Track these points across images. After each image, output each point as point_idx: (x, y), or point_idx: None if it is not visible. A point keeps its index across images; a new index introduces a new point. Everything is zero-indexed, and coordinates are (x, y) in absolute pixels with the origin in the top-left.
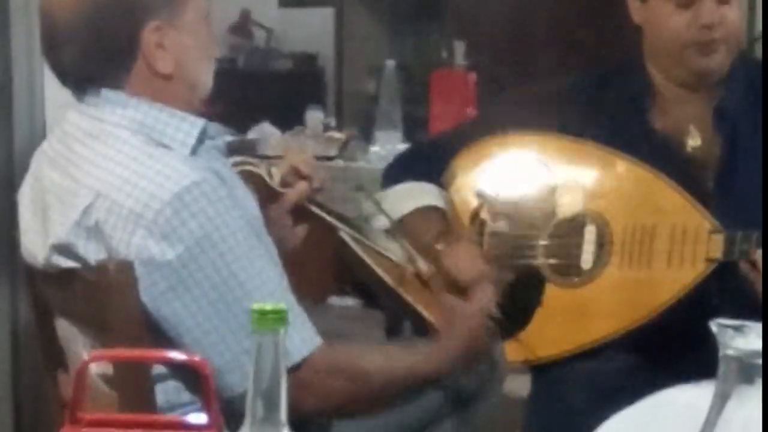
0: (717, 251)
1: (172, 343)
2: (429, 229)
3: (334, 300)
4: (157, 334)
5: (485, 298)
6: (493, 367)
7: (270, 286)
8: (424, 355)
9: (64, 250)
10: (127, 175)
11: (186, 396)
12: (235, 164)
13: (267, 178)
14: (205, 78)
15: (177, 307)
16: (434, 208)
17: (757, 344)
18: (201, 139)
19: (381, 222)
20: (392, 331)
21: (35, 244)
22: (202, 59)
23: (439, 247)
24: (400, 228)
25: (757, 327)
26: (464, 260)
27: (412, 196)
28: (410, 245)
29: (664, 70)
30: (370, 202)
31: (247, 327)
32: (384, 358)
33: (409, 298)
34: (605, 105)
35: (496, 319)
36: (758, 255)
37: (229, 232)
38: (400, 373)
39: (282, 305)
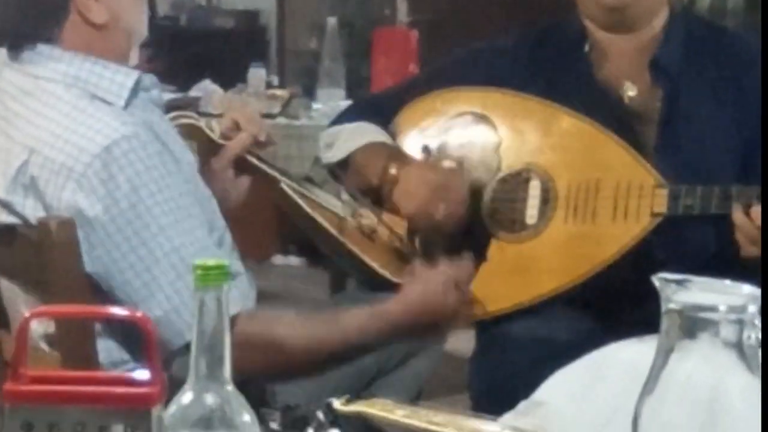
0: (662, 206)
1: (110, 301)
2: (380, 156)
3: (278, 259)
4: (99, 293)
5: (462, 273)
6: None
7: (201, 243)
8: (353, 322)
9: (2, 207)
10: (59, 131)
11: (125, 354)
12: (174, 118)
13: (208, 131)
14: (140, 25)
15: (107, 263)
16: (384, 144)
17: (699, 298)
18: (135, 90)
19: (332, 153)
20: (336, 289)
21: None
22: (135, 6)
23: (392, 170)
24: (353, 162)
25: (699, 281)
26: (426, 169)
27: (360, 132)
28: (360, 182)
29: (589, 14)
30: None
31: (175, 283)
32: (305, 329)
33: (353, 248)
34: (546, 60)
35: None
36: (757, 211)
37: (158, 188)
38: (323, 345)
39: (224, 261)
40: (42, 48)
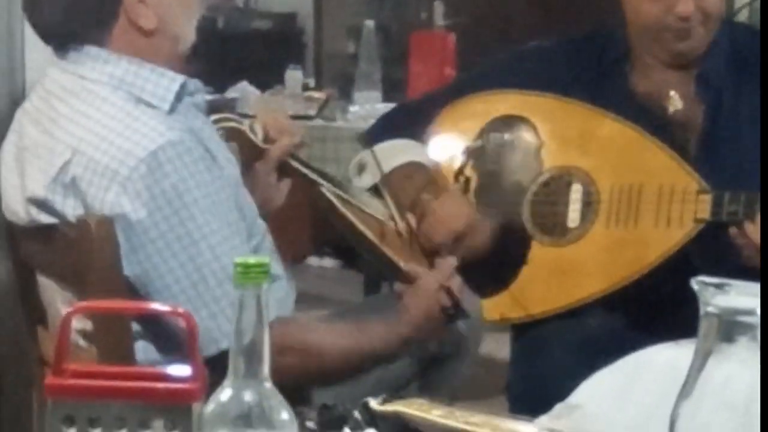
0: (705, 211)
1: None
2: (415, 182)
3: (313, 260)
4: (135, 293)
5: (445, 272)
6: (470, 326)
7: (239, 251)
8: (377, 333)
9: (43, 206)
10: (104, 132)
11: (161, 356)
12: (217, 121)
13: (251, 135)
14: (188, 33)
15: (147, 267)
16: (419, 165)
17: (738, 302)
18: (180, 95)
19: (369, 176)
20: (370, 291)
21: (16, 201)
22: (184, 14)
23: (425, 197)
24: (387, 182)
25: (738, 285)
26: (452, 207)
27: (398, 151)
28: (396, 200)
29: (644, 45)
30: (369, 152)
31: (214, 291)
32: (338, 336)
33: (389, 253)
34: (586, 67)
35: (454, 301)
36: (751, 225)
37: (201, 194)
38: (353, 352)
39: (265, 259)
40: (89, 49)
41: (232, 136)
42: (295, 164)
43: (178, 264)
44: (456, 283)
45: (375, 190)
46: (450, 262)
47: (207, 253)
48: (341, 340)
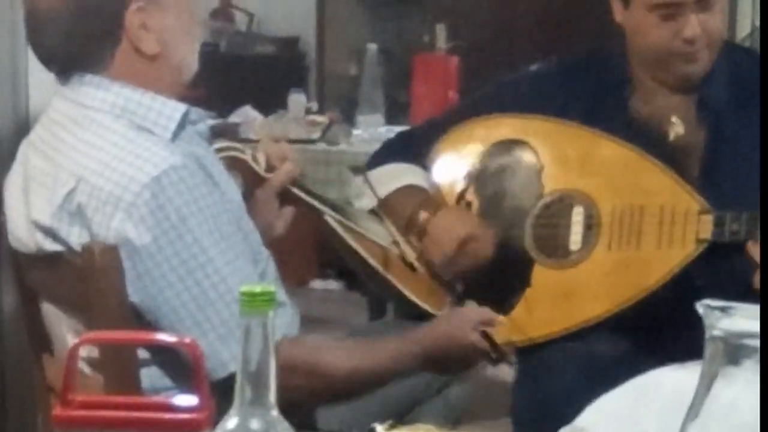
0: (707, 232)
1: (152, 328)
2: (411, 203)
3: (317, 283)
4: (141, 321)
5: (486, 313)
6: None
7: (245, 274)
8: (388, 351)
9: (48, 234)
10: (107, 159)
11: (168, 380)
12: (220, 150)
13: (253, 164)
14: (190, 59)
15: (153, 293)
16: (417, 187)
17: (744, 325)
18: (183, 124)
19: (366, 201)
20: (375, 315)
21: (23, 229)
22: (186, 40)
23: (422, 215)
24: (385, 207)
25: (743, 308)
26: (452, 218)
27: (395, 176)
28: (394, 224)
29: (646, 70)
30: (362, 179)
31: (221, 313)
32: (346, 355)
33: (393, 280)
34: (586, 91)
35: (499, 350)
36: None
37: (205, 218)
38: (361, 371)
39: (271, 287)
40: (91, 78)
41: (235, 165)
42: (298, 192)
43: (184, 287)
44: (493, 324)
45: (376, 214)
46: (486, 309)
47: (213, 276)
48: (349, 360)
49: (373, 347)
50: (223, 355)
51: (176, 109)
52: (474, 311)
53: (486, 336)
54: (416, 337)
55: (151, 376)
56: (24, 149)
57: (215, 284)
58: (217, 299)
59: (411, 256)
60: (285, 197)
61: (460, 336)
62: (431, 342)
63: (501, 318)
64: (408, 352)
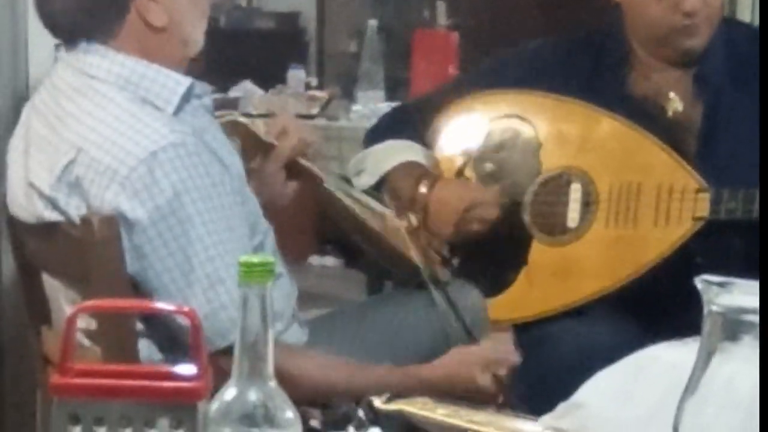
0: (704, 209)
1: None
2: (411, 178)
3: (315, 259)
4: (138, 290)
5: (500, 358)
6: (476, 326)
7: (237, 252)
8: (378, 377)
9: (48, 203)
10: (108, 132)
11: (161, 355)
12: (219, 115)
13: (253, 128)
14: (197, 34)
15: (145, 265)
16: (416, 164)
17: (743, 301)
18: (187, 97)
19: (365, 179)
20: (373, 291)
21: (20, 194)
22: (194, 14)
23: (422, 190)
24: (386, 182)
25: (742, 284)
26: (453, 187)
27: (393, 153)
28: (394, 200)
29: (646, 46)
30: (363, 154)
31: (207, 292)
32: (320, 367)
33: (397, 245)
34: (584, 67)
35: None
36: None
37: (200, 196)
38: (335, 385)
39: (270, 258)
40: (97, 48)
41: (234, 130)
42: (303, 162)
43: (174, 263)
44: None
45: (375, 191)
46: (507, 336)
47: (202, 254)
48: (326, 372)
49: (360, 371)
50: (206, 333)
51: (180, 82)
52: (487, 350)
53: (497, 378)
54: (416, 372)
55: (146, 347)
56: (27, 112)
57: (203, 262)
58: (203, 277)
59: (413, 222)
60: (288, 168)
61: (467, 377)
62: (433, 380)
63: (514, 359)
64: (397, 381)
